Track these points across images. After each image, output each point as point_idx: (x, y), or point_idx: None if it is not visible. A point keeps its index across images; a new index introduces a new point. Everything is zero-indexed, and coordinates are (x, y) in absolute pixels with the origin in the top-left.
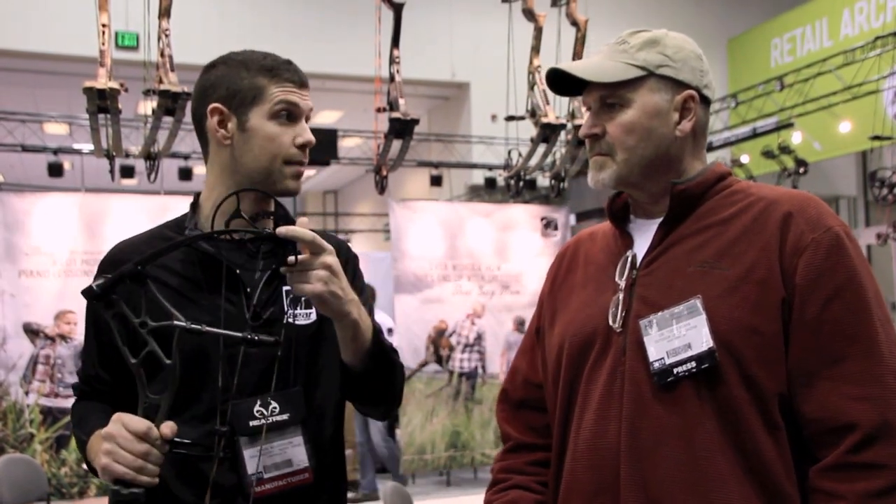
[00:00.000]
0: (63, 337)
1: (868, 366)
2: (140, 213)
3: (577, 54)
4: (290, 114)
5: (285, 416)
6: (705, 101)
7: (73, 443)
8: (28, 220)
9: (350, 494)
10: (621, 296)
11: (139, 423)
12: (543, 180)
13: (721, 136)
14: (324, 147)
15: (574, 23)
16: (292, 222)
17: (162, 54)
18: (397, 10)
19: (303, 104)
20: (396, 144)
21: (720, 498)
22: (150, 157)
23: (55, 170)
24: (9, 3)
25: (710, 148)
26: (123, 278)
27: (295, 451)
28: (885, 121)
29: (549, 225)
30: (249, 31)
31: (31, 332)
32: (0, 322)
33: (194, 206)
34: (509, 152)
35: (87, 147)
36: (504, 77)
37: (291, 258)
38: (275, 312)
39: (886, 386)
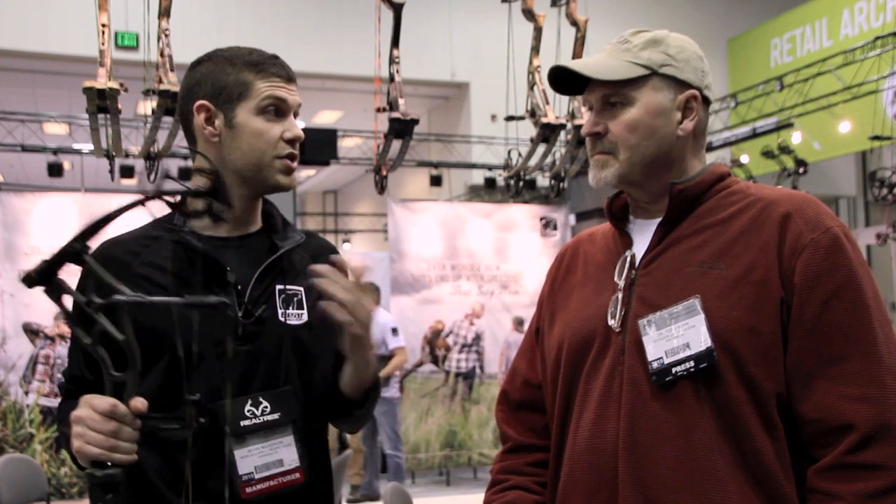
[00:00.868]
0: (63, 337)
1: (866, 366)
2: (140, 212)
3: (577, 54)
4: (278, 109)
5: (276, 416)
6: (706, 102)
7: None
8: (28, 220)
9: (350, 496)
10: (620, 295)
11: (103, 401)
12: (543, 180)
13: (721, 136)
14: (323, 147)
15: (574, 23)
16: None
17: (162, 54)
18: (397, 10)
19: (290, 99)
20: (396, 144)
21: (718, 497)
22: (150, 157)
23: (55, 170)
24: (9, 3)
25: (710, 148)
26: (63, 259)
27: (286, 451)
28: (885, 121)
29: (548, 225)
30: (249, 31)
31: (31, 332)
32: (0, 322)
33: (183, 203)
34: (509, 152)
35: (87, 147)
36: (504, 77)
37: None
38: (266, 311)
39: (885, 386)
